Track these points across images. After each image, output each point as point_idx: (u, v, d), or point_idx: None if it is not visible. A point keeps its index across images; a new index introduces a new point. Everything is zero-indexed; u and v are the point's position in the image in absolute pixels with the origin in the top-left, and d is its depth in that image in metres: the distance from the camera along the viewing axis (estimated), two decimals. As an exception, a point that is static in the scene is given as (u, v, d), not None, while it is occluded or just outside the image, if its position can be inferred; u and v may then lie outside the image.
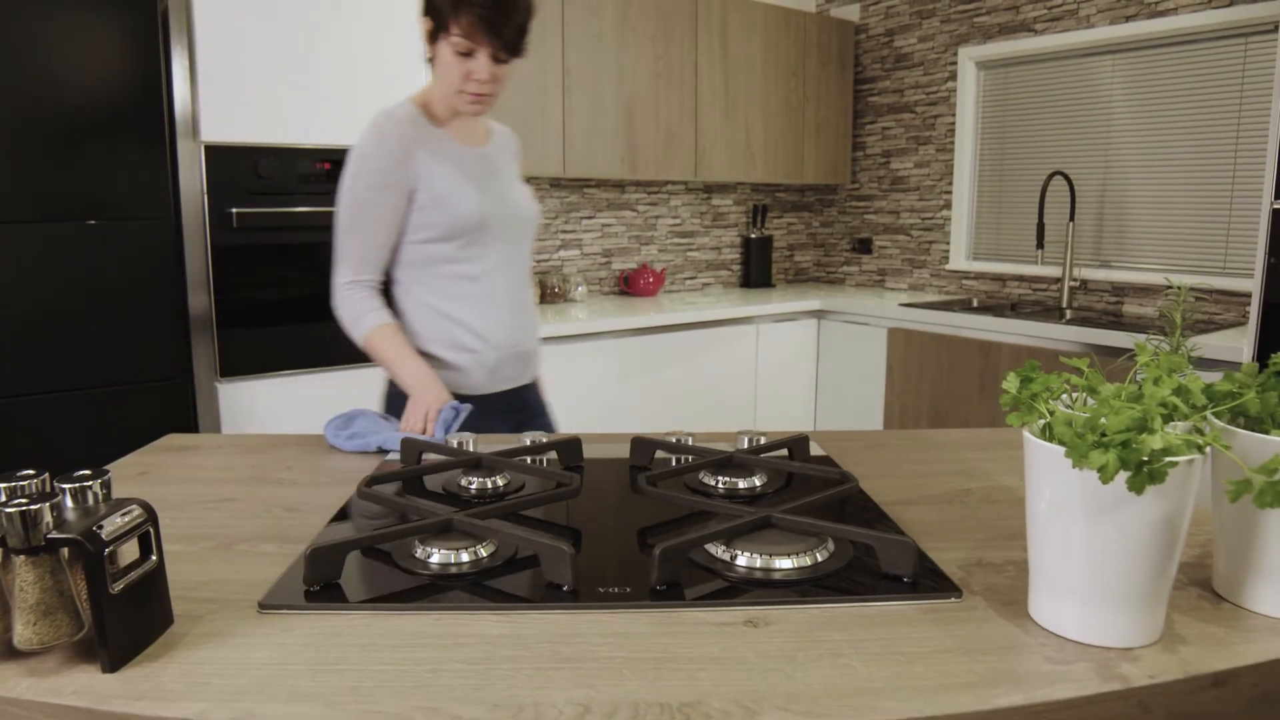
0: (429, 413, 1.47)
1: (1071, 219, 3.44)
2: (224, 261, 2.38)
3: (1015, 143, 3.72)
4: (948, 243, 3.99)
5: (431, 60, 1.54)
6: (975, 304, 3.72)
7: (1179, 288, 0.80)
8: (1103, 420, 0.68)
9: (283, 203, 2.45)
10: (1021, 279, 3.71)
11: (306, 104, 2.46)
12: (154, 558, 0.73)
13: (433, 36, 1.50)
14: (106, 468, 0.78)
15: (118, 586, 0.68)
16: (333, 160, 2.52)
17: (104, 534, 0.68)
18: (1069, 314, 3.41)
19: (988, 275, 3.84)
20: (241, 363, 2.44)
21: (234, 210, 2.38)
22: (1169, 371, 0.75)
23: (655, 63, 3.54)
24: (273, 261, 2.46)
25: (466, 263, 1.57)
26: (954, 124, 3.90)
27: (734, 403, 3.64)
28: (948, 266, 3.98)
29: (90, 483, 0.72)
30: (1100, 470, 0.65)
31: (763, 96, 3.90)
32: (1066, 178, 3.41)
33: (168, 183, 2.30)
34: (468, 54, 1.46)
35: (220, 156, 2.35)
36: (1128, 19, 3.26)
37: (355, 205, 1.51)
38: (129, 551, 0.73)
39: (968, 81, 3.82)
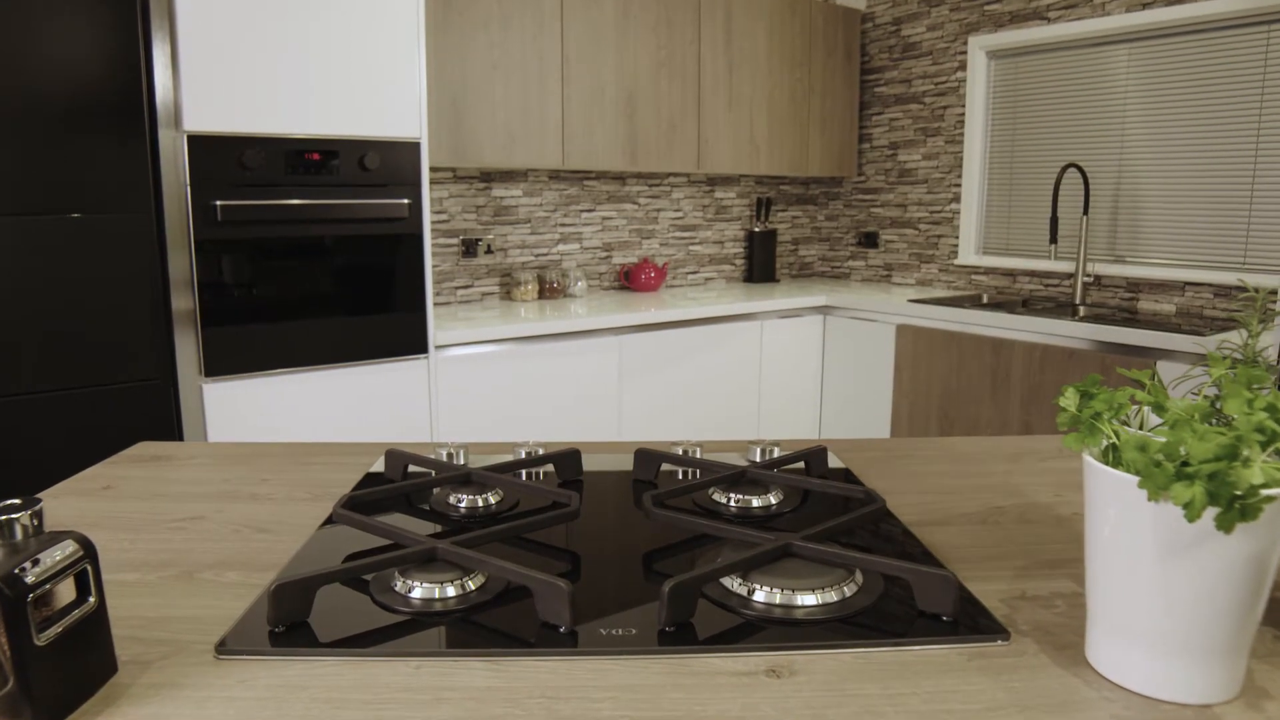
0: None
1: (1085, 213, 3.35)
2: (208, 256, 2.29)
3: (1027, 134, 3.62)
4: (956, 237, 3.89)
5: None
6: (985, 300, 3.63)
7: (1256, 289, 0.71)
8: (1182, 449, 0.59)
9: (269, 195, 2.36)
10: (1033, 274, 3.62)
11: (293, 92, 2.36)
12: (92, 599, 0.64)
13: None
14: (38, 497, 0.69)
15: (45, 637, 0.59)
16: (321, 150, 2.42)
17: (28, 577, 0.59)
18: (1082, 310, 3.32)
19: (998, 270, 3.74)
20: (226, 361, 2.35)
21: (218, 203, 2.28)
22: (1249, 385, 0.65)
23: (657, 52, 3.43)
24: (258, 256, 2.36)
25: None
26: (963, 115, 3.80)
27: (738, 401, 3.55)
28: (956, 261, 3.89)
29: (18, 514, 0.62)
30: (1186, 507, 0.56)
31: (767, 87, 3.79)
32: (1081, 170, 3.31)
33: (148, 174, 2.21)
34: None
35: (203, 147, 2.25)
36: (1144, 6, 3.16)
37: None
38: (64, 593, 0.63)
39: (978, 71, 3.72)
